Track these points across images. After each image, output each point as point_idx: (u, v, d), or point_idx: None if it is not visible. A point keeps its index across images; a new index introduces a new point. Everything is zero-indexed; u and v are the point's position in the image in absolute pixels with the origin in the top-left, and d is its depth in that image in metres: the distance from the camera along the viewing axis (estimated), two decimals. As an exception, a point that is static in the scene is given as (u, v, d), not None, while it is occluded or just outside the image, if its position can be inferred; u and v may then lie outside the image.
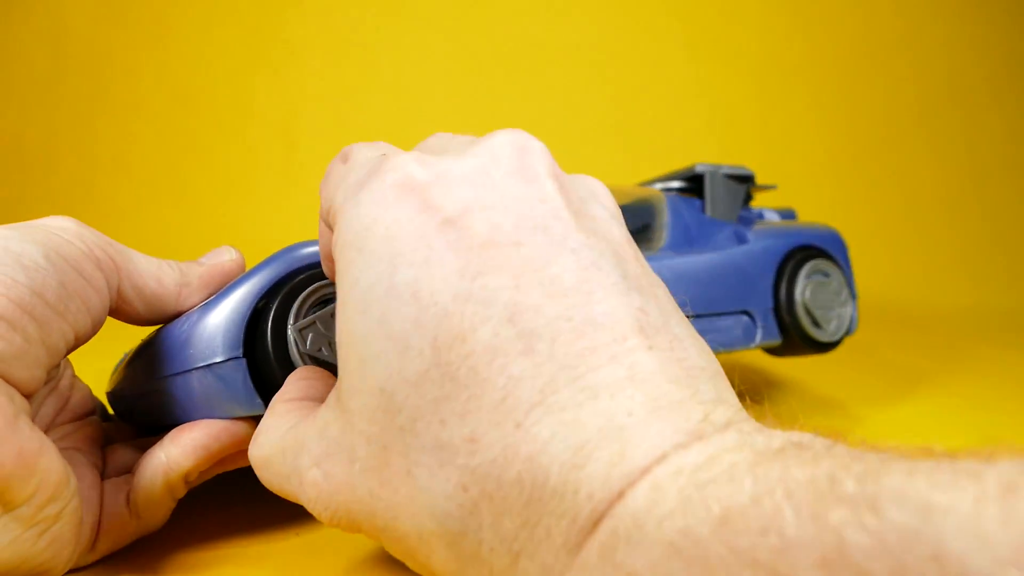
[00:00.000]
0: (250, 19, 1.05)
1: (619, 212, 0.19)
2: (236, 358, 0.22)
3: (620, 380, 0.13)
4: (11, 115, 1.05)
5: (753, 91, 1.07)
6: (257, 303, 0.22)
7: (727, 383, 0.15)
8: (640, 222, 0.33)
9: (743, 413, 0.14)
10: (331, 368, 0.22)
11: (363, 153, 0.19)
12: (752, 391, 0.47)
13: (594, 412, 0.13)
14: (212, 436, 0.22)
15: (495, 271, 0.14)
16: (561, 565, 0.13)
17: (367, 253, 0.16)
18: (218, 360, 0.22)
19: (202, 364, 0.22)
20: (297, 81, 1.05)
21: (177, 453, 0.21)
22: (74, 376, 0.26)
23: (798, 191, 0.60)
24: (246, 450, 0.23)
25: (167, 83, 1.05)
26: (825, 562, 0.09)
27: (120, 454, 0.24)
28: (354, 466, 0.16)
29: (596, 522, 0.12)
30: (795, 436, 0.13)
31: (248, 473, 0.29)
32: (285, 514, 0.25)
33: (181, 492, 0.22)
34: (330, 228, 0.18)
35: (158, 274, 0.23)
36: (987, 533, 0.09)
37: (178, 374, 0.22)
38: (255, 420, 0.22)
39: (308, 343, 0.22)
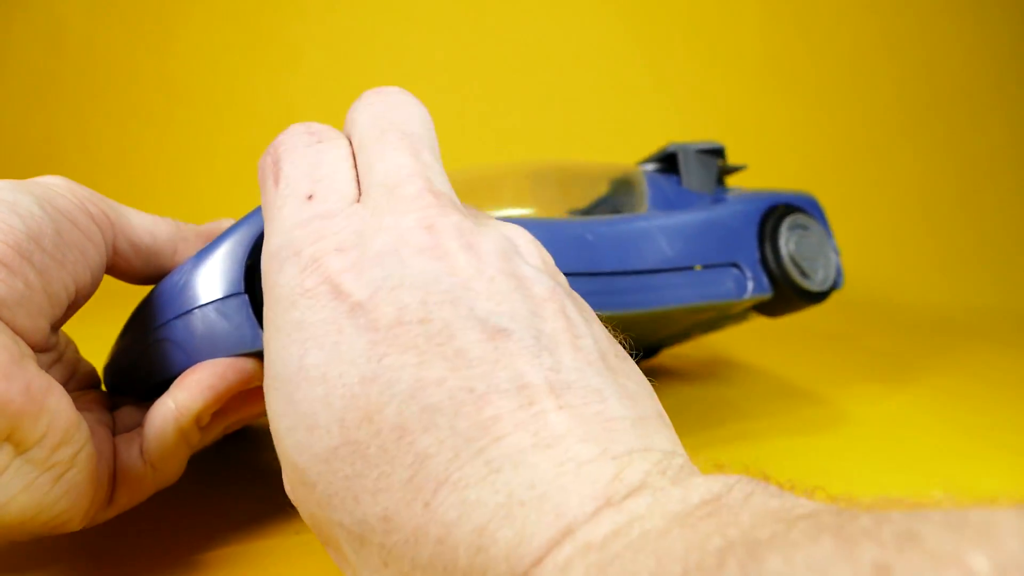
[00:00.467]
0: (250, 19, 1.03)
1: (547, 258, 0.18)
2: (238, 293, 0.21)
3: (524, 449, 0.13)
4: (10, 114, 1.05)
5: (742, 86, 1.05)
6: (254, 246, 0.22)
7: (657, 422, 0.15)
8: (620, 196, 0.33)
9: (664, 460, 0.13)
10: None
11: (293, 180, 0.18)
12: (735, 383, 0.48)
13: (494, 488, 0.13)
14: (218, 375, 0.21)
15: (401, 350, 0.14)
16: None
17: (283, 335, 0.16)
18: (220, 297, 0.21)
19: (204, 302, 0.21)
20: (297, 81, 1.03)
21: (185, 397, 0.21)
22: (78, 353, 0.26)
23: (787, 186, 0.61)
24: (256, 393, 0.23)
25: (167, 83, 1.04)
26: None
27: (127, 413, 0.24)
28: (306, 516, 0.16)
29: None
30: (715, 485, 0.12)
31: (248, 473, 0.31)
32: (285, 513, 0.26)
33: (195, 439, 0.22)
34: None
35: (153, 229, 0.23)
36: None
37: (179, 317, 0.22)
38: (260, 356, 0.22)
39: None
